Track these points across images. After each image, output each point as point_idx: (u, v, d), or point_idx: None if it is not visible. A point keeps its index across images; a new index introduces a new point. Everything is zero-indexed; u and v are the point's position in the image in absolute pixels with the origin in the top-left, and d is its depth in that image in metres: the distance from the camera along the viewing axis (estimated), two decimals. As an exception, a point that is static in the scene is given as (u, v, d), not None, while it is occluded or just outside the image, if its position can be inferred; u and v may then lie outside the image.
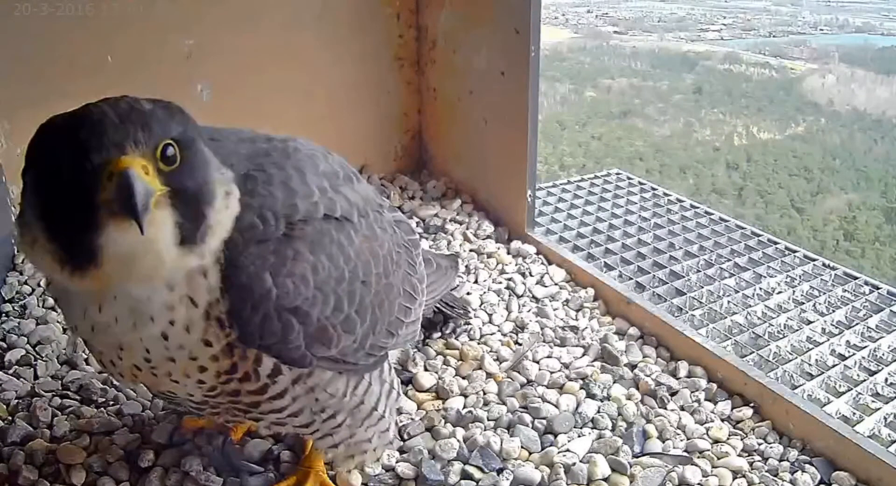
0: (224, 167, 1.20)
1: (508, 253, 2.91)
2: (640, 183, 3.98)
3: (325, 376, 1.40)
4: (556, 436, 1.93)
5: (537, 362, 2.23)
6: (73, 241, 1.05)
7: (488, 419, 1.97)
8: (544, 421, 1.97)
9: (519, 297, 2.59)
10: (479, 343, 2.32)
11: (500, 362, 2.23)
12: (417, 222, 3.16)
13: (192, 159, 1.12)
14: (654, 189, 3.88)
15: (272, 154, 1.35)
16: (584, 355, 2.29)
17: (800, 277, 2.93)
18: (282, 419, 1.42)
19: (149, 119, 1.07)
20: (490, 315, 2.48)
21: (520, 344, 2.33)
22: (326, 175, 1.39)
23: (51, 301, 2.39)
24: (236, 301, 1.20)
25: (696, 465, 1.83)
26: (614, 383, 2.15)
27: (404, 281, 1.63)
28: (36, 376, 2.07)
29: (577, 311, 2.54)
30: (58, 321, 2.30)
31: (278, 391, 1.34)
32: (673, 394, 2.12)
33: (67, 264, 1.07)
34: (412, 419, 1.97)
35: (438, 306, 2.24)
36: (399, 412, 1.98)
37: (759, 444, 1.93)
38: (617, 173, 4.11)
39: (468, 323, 2.41)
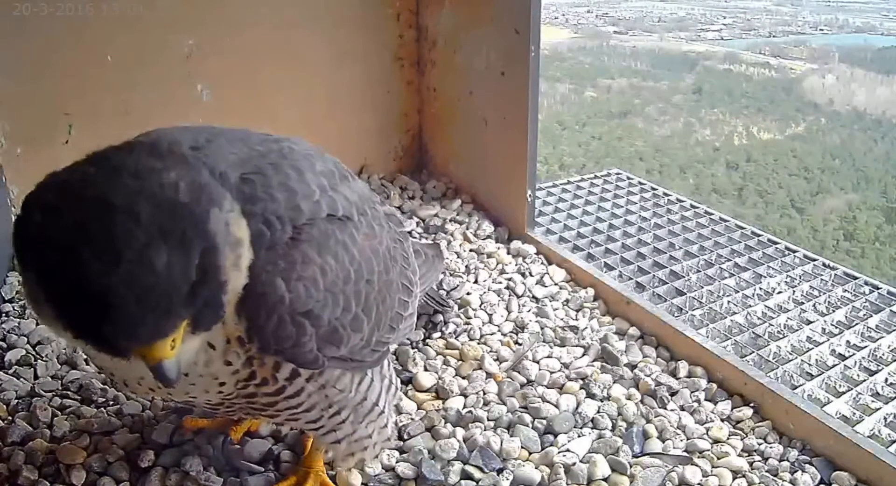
0: (225, 208, 1.08)
1: (508, 253, 2.91)
2: (640, 183, 3.98)
3: (334, 373, 1.41)
4: (556, 436, 1.93)
5: (537, 362, 2.23)
6: (101, 348, 1.03)
7: (488, 419, 1.97)
8: (544, 421, 1.97)
9: (519, 297, 2.59)
10: (479, 343, 2.32)
11: (500, 362, 2.23)
12: (417, 222, 3.16)
13: (206, 267, 1.02)
14: (654, 189, 3.87)
15: (268, 155, 1.33)
16: (584, 355, 2.29)
17: (800, 277, 2.93)
18: (296, 414, 1.43)
19: (171, 298, 0.97)
20: (490, 315, 2.48)
21: (520, 344, 2.33)
22: (325, 174, 1.39)
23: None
24: (251, 310, 1.20)
25: (696, 465, 1.83)
26: (614, 383, 2.15)
27: (401, 275, 1.64)
28: (36, 376, 2.07)
29: (577, 311, 2.54)
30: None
31: (294, 391, 1.35)
32: (673, 394, 2.12)
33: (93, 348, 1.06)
34: (412, 419, 1.97)
35: (424, 298, 2.24)
36: (398, 411, 1.98)
37: (759, 444, 1.93)
38: (617, 173, 4.11)
39: (468, 323, 2.41)
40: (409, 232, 2.93)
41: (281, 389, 1.33)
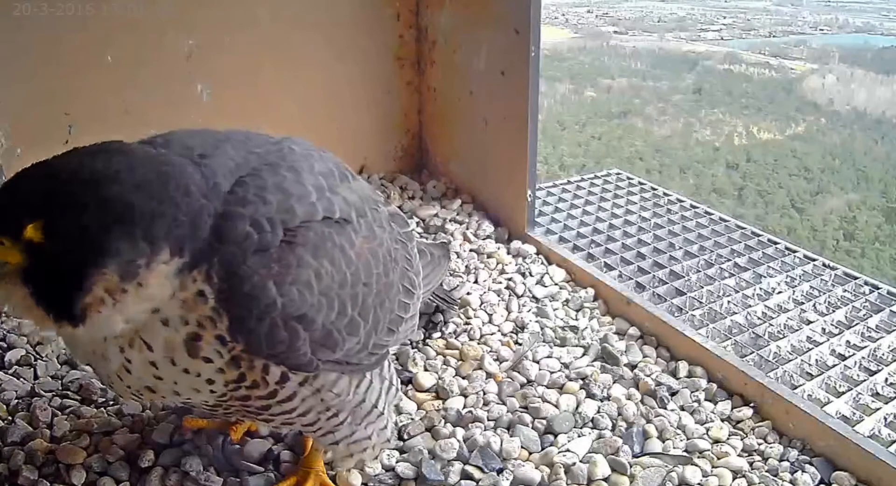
0: (160, 255, 1.12)
1: (508, 253, 2.91)
2: (640, 183, 3.98)
3: (331, 377, 1.41)
4: (556, 436, 1.93)
5: (537, 362, 2.23)
6: None
7: (488, 419, 1.97)
8: (544, 421, 1.97)
9: (519, 297, 2.59)
10: (479, 343, 2.32)
11: (500, 362, 2.23)
12: (417, 222, 3.16)
13: (63, 241, 1.08)
14: (654, 189, 3.87)
15: (266, 157, 1.34)
16: (584, 355, 2.29)
17: (800, 277, 2.93)
18: (291, 419, 1.43)
19: (11, 201, 1.09)
20: (490, 315, 2.48)
21: (520, 344, 2.33)
22: (323, 175, 1.39)
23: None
24: (241, 312, 1.20)
25: (696, 465, 1.83)
26: (614, 383, 2.15)
27: (402, 277, 1.64)
28: (36, 376, 2.07)
29: (577, 311, 2.54)
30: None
31: (287, 395, 1.35)
32: (673, 394, 2.12)
33: None
34: (412, 418, 1.97)
35: (430, 297, 2.24)
36: (399, 411, 1.98)
37: (759, 444, 1.93)
38: (617, 173, 4.11)
39: (468, 323, 2.41)
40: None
41: (273, 392, 1.32)
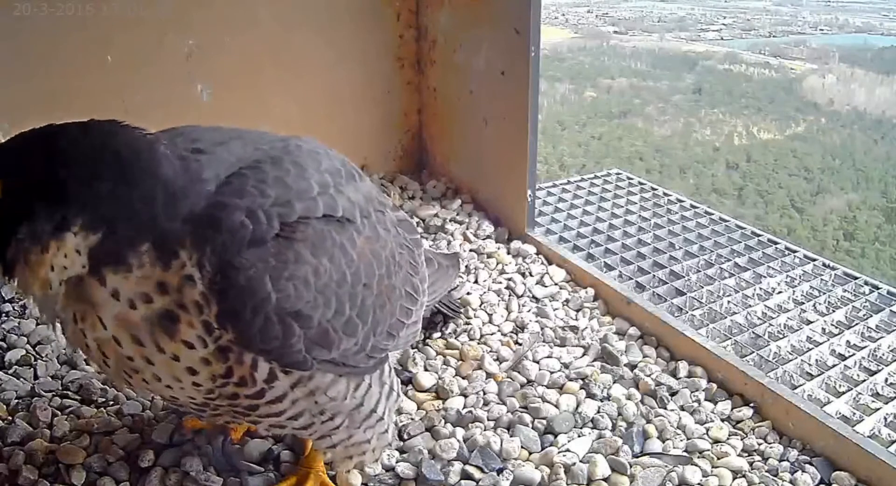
0: (72, 226, 1.15)
1: (508, 253, 2.91)
2: (640, 183, 3.98)
3: (326, 379, 1.39)
4: (556, 436, 1.93)
5: (537, 362, 2.23)
6: None
7: (488, 419, 1.97)
8: (544, 421, 1.97)
9: (519, 297, 2.59)
10: (479, 343, 2.32)
11: (500, 362, 2.23)
12: (417, 222, 3.16)
13: (8, 198, 1.13)
14: (654, 189, 3.87)
15: (272, 152, 1.34)
16: (584, 355, 2.29)
17: (800, 277, 2.93)
18: (280, 422, 1.42)
19: None
20: (490, 315, 2.48)
21: (520, 344, 2.33)
22: (329, 172, 1.39)
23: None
24: (234, 304, 1.19)
25: (696, 465, 1.83)
26: (614, 383, 2.15)
27: (406, 282, 1.62)
28: (36, 376, 2.07)
29: (577, 311, 2.54)
30: (58, 321, 2.30)
31: (276, 396, 1.33)
32: (673, 394, 2.12)
33: None
34: (412, 419, 1.97)
35: (436, 305, 2.24)
36: (399, 412, 1.98)
37: (759, 444, 1.93)
38: (617, 173, 4.11)
39: (468, 323, 2.41)
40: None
41: (260, 392, 1.31)
